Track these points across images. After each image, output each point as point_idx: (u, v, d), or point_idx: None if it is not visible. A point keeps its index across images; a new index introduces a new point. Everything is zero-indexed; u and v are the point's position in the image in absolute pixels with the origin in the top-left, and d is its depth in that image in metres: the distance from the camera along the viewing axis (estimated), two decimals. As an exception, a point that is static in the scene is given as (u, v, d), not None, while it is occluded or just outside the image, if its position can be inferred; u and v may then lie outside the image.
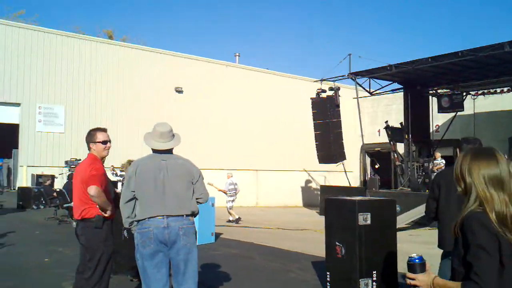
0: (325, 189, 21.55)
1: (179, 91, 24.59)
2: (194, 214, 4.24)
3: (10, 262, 7.79)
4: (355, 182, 26.71)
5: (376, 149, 27.06)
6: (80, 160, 14.91)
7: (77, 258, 7.19)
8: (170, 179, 4.10)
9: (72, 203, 12.64)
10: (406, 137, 20.41)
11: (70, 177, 14.08)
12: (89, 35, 24.11)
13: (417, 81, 20.10)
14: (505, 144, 18.53)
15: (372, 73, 19.87)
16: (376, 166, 27.76)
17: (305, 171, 27.77)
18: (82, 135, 21.50)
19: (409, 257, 2.21)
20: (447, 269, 2.91)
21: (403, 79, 20.58)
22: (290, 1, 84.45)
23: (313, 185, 28.00)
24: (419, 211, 13.86)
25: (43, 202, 16.20)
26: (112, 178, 13.68)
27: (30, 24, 26.05)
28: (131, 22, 70.13)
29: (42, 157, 20.86)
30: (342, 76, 20.28)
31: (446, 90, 20.81)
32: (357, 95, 20.00)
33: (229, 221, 15.88)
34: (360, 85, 20.39)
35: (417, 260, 2.18)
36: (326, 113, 20.81)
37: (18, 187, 18.72)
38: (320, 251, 6.61)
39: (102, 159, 4.43)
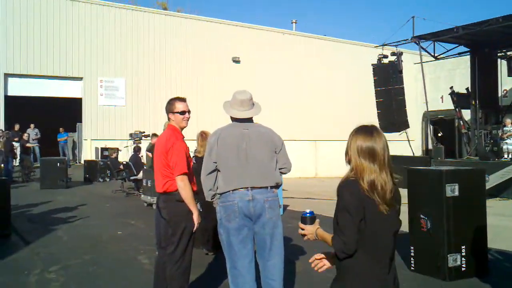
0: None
1: (236, 61, 24.36)
2: (277, 186, 4.04)
3: (88, 234, 7.98)
4: (417, 152, 25.82)
5: (439, 116, 26.01)
6: (144, 132, 15.11)
7: (149, 231, 7.28)
8: (253, 148, 3.89)
9: (139, 175, 12.85)
10: (473, 103, 19.36)
11: (135, 150, 14.28)
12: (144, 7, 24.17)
13: (485, 43, 18.95)
14: None
15: (437, 36, 18.93)
16: (439, 135, 26.62)
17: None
18: (143, 107, 21.70)
19: (303, 212, 2.60)
20: None
21: (470, 42, 19.50)
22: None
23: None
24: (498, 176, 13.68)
25: (109, 174, 16.54)
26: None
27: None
28: (184, -7, 69.88)
29: (105, 130, 21.36)
30: (405, 40, 19.38)
31: (516, 52, 19.58)
32: (421, 60, 19.27)
33: None
34: (425, 49, 19.53)
35: (308, 214, 2.58)
36: (388, 80, 20.06)
37: (84, 160, 19.21)
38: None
39: (181, 129, 4.26)
